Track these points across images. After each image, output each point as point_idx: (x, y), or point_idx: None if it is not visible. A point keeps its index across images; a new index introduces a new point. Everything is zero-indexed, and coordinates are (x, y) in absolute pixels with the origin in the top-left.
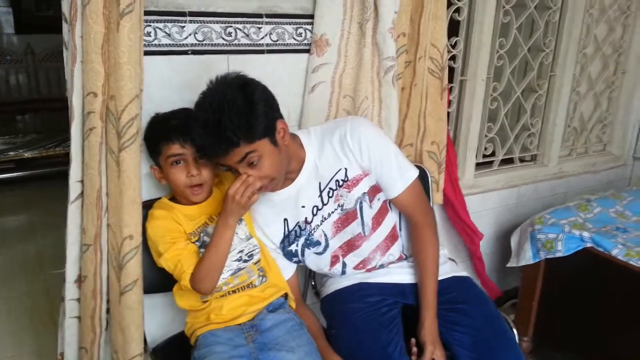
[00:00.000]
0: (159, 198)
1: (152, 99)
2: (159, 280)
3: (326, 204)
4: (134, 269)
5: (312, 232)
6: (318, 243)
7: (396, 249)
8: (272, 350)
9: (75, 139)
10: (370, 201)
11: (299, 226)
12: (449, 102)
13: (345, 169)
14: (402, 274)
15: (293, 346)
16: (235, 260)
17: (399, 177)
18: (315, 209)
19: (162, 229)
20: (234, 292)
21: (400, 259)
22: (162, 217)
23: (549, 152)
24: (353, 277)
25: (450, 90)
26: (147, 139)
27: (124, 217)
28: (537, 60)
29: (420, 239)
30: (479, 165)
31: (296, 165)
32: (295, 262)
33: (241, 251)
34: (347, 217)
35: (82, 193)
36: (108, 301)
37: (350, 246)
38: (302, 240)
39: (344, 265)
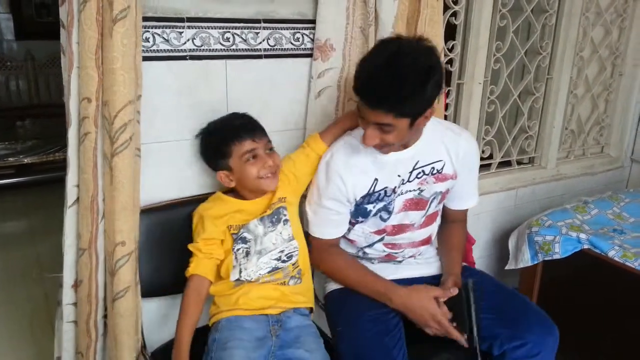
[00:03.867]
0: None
1: (150, 104)
2: (159, 284)
3: (410, 182)
4: (126, 275)
5: (392, 201)
6: (389, 212)
7: (423, 248)
8: (292, 347)
9: (72, 144)
10: (439, 202)
11: (385, 191)
12: (446, 105)
13: (444, 163)
14: (415, 269)
15: (312, 348)
16: (274, 259)
17: (473, 195)
18: (402, 181)
19: (207, 224)
20: (267, 282)
21: (415, 257)
22: (213, 216)
23: (546, 154)
24: None
25: (448, 93)
26: (210, 148)
27: (116, 223)
28: (534, 63)
29: (454, 230)
30: None
31: (412, 142)
32: (357, 221)
33: (282, 251)
34: (418, 203)
35: (79, 198)
36: (106, 307)
37: (400, 230)
38: (380, 205)
39: (381, 239)
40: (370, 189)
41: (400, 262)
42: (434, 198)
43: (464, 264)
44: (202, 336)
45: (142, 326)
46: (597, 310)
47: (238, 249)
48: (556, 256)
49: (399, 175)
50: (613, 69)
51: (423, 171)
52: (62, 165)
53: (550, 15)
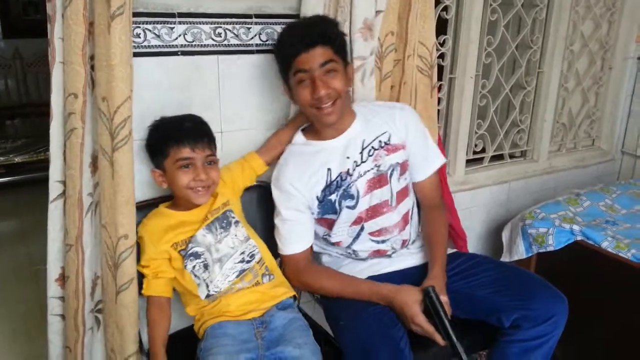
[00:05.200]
0: (155, 199)
1: (142, 99)
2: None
3: (365, 162)
4: (129, 268)
5: (350, 185)
6: (352, 197)
7: (407, 232)
8: (280, 346)
9: (55, 139)
10: (400, 175)
11: (341, 177)
12: (439, 100)
13: (390, 134)
14: (406, 260)
15: (300, 343)
16: (238, 262)
17: (431, 161)
18: (354, 163)
19: (147, 245)
20: (242, 288)
21: (404, 244)
22: (150, 233)
23: (538, 147)
24: (362, 272)
25: (440, 88)
26: (151, 142)
27: (119, 217)
28: (525, 57)
29: (434, 219)
30: (469, 161)
31: (348, 120)
32: (330, 215)
33: (242, 252)
34: (380, 180)
35: (63, 193)
36: (99, 301)
37: (374, 212)
38: (340, 191)
39: (362, 228)
40: (327, 179)
41: (390, 255)
42: (392, 170)
43: (454, 250)
44: (176, 345)
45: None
46: (591, 301)
47: (193, 267)
48: (550, 248)
49: (348, 157)
50: (603, 62)
51: (372, 147)
52: None
53: (541, 9)
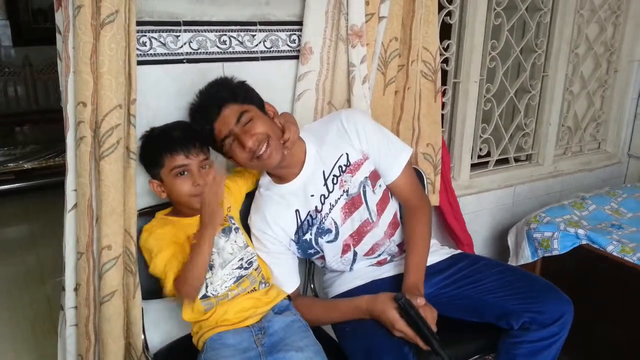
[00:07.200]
0: (155, 206)
1: (148, 107)
2: (159, 286)
3: (332, 192)
4: (112, 279)
5: (323, 220)
6: (329, 231)
7: (398, 236)
8: (281, 351)
9: (70, 148)
10: (373, 186)
11: (310, 215)
12: (443, 104)
13: (347, 154)
14: (400, 267)
15: (301, 346)
16: (237, 268)
17: (395, 159)
18: (322, 197)
19: (158, 238)
20: (237, 295)
21: (401, 246)
22: (158, 227)
23: (543, 151)
24: (365, 276)
25: (444, 92)
26: (145, 153)
27: (102, 226)
28: (529, 61)
29: (414, 221)
30: (474, 166)
31: (299, 156)
32: (312, 254)
33: (241, 259)
34: (353, 203)
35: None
36: None
37: (360, 234)
38: (314, 230)
39: (355, 254)
40: (296, 222)
41: (393, 259)
42: (363, 187)
43: (459, 251)
44: (182, 351)
45: (143, 327)
46: (596, 305)
47: None
48: (555, 252)
49: (312, 195)
50: (608, 65)
51: (334, 175)
52: (62, 170)
53: (545, 13)
